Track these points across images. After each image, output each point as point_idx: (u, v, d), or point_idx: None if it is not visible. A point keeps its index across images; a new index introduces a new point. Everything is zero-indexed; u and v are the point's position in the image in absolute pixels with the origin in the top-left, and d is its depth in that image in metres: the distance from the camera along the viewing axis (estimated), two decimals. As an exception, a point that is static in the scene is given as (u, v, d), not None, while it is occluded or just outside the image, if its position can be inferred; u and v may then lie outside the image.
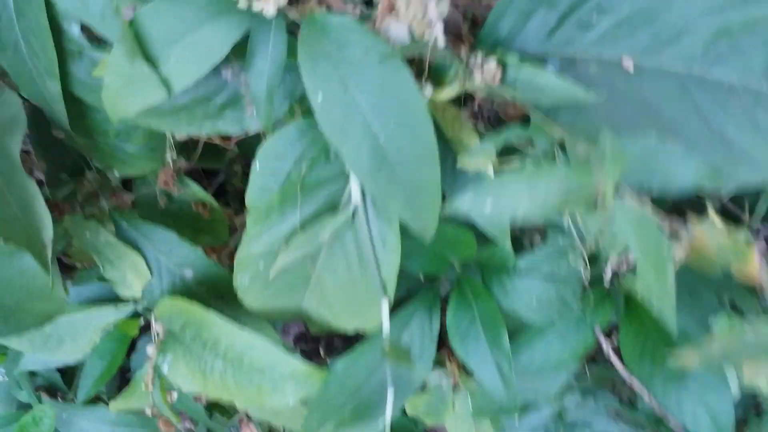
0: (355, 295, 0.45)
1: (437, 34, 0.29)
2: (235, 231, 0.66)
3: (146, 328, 0.83)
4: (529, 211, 0.26)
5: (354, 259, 0.42)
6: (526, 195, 0.26)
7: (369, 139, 0.34)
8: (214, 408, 0.77)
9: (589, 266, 0.47)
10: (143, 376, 0.58)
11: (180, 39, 0.35)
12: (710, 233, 0.30)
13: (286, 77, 0.43)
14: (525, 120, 0.39)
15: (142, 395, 0.59)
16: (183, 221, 0.59)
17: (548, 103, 0.32)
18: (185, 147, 0.56)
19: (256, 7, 0.32)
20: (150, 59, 0.36)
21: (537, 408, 0.64)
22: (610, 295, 0.53)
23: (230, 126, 0.46)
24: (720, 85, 0.32)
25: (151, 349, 0.55)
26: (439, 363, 0.78)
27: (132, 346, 0.81)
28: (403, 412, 0.94)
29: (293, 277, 0.45)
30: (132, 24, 0.35)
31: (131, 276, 0.54)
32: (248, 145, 0.58)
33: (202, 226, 0.61)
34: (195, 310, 0.49)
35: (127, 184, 0.58)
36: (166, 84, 0.36)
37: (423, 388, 0.71)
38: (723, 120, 0.33)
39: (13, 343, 0.62)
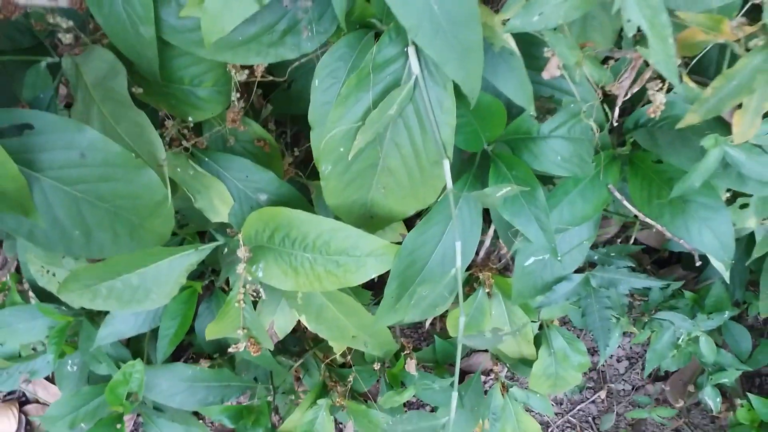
0: (418, 168, 0.55)
1: None
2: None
3: (208, 288, 0.91)
4: (566, 12, 0.37)
5: (416, 130, 0.52)
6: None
7: (427, 10, 0.44)
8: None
9: (596, 130, 0.58)
10: (234, 297, 0.66)
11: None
12: (693, 18, 0.41)
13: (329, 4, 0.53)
14: None
15: (234, 316, 0.67)
16: (247, 156, 0.69)
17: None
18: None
19: None
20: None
21: (568, 279, 0.73)
22: (617, 158, 0.64)
23: (290, 51, 0.57)
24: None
25: (240, 268, 0.63)
26: (470, 282, 0.88)
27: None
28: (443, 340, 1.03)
29: (364, 162, 0.55)
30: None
31: (218, 202, 0.63)
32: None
33: (262, 161, 0.70)
34: (284, 212, 0.58)
35: (197, 130, 0.67)
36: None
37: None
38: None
39: (99, 304, 0.70)
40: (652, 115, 0.51)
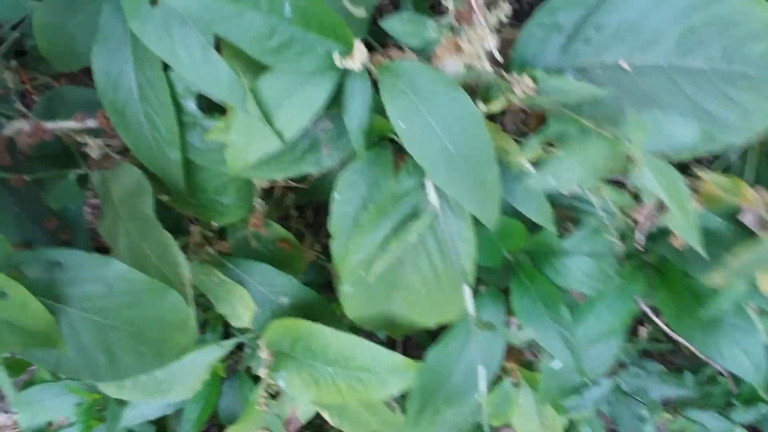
0: (438, 288, 0.55)
1: (487, 65, 0.40)
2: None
3: (231, 368, 0.92)
4: (582, 177, 0.36)
5: (436, 255, 0.52)
6: (578, 165, 0.36)
7: (443, 151, 0.44)
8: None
9: (620, 241, 0.57)
10: (256, 399, 0.66)
11: (288, 98, 0.47)
12: (713, 178, 0.40)
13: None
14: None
15: (255, 417, 0.67)
16: (269, 258, 0.70)
17: (573, 101, 0.43)
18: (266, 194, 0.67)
19: (347, 65, 0.44)
20: (266, 117, 0.47)
21: (597, 383, 0.71)
22: (643, 267, 0.63)
23: (311, 167, 0.57)
24: (694, 71, 0.43)
25: (263, 371, 0.63)
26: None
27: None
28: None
29: (385, 281, 0.55)
30: (251, 92, 0.46)
31: (240, 308, 0.64)
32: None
33: (283, 261, 0.71)
34: (304, 324, 0.58)
35: (221, 233, 0.69)
36: (279, 135, 0.47)
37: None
38: (703, 97, 0.43)
39: (125, 394, 0.71)
40: (677, 246, 0.50)
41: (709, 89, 0.43)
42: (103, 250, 0.64)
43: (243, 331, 0.71)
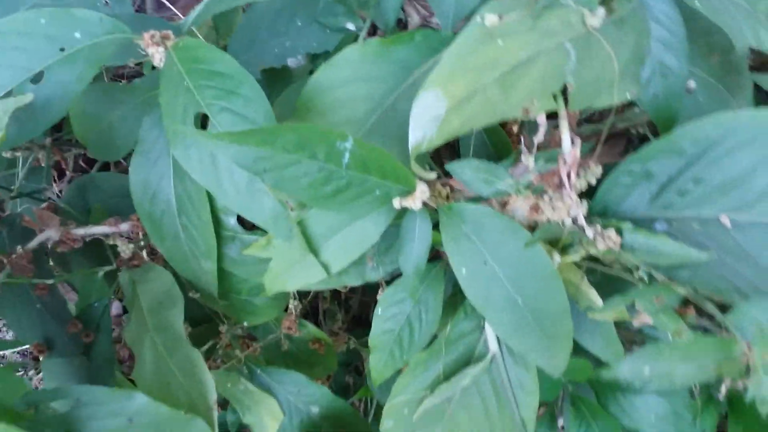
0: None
1: (569, 222, 0.35)
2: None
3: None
4: (684, 377, 0.31)
5: (491, 401, 0.46)
6: (680, 364, 0.31)
7: (509, 303, 0.39)
8: None
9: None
10: None
11: (337, 233, 0.42)
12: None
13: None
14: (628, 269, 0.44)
15: None
16: (301, 358, 0.65)
17: (665, 263, 0.38)
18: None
19: (406, 204, 0.39)
20: (312, 248, 0.43)
21: None
22: (712, 398, 0.56)
23: (353, 279, 0.53)
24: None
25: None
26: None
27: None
28: None
29: (430, 418, 0.49)
30: (299, 223, 0.42)
31: (267, 419, 0.59)
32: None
33: (315, 360, 0.67)
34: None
35: (251, 331, 0.64)
36: (325, 267, 0.43)
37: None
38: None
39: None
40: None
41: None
42: (126, 353, 0.61)
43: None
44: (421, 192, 0.39)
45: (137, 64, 0.93)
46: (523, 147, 0.39)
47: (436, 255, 0.50)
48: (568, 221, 0.36)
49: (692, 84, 0.49)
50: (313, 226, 0.42)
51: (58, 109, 0.40)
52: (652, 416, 0.50)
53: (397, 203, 0.39)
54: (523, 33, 0.30)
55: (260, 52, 0.60)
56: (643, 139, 0.69)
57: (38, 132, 0.41)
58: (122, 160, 0.87)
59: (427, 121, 0.32)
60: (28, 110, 0.39)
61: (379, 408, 0.87)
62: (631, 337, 0.57)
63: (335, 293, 0.81)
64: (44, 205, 0.64)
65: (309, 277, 0.44)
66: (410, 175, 0.38)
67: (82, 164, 0.95)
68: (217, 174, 0.40)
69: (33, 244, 0.47)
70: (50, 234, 0.47)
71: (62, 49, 0.41)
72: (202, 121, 0.41)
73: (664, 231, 0.40)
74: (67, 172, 0.81)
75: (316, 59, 0.67)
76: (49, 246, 0.49)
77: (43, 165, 0.63)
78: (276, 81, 0.64)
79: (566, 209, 0.34)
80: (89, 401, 0.43)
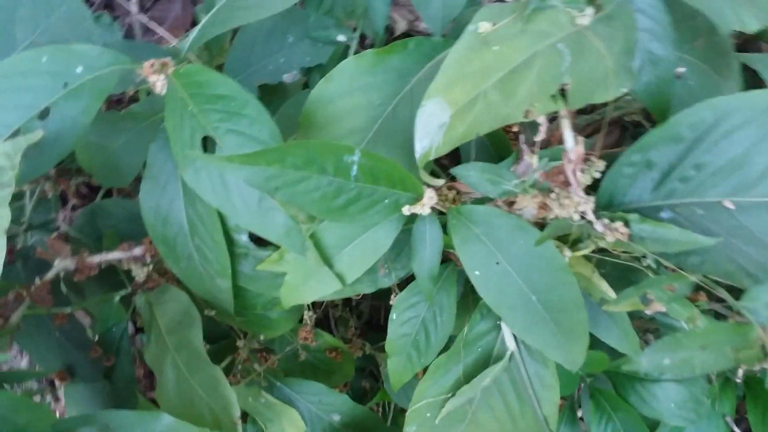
0: (514, 429, 0.50)
1: (576, 218, 0.36)
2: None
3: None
4: (704, 364, 0.32)
5: (512, 398, 0.47)
6: (699, 352, 0.32)
7: (524, 301, 0.40)
8: None
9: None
10: None
11: (349, 243, 0.43)
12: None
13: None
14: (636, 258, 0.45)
15: None
16: (318, 368, 0.66)
17: (674, 250, 0.38)
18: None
19: (415, 211, 0.40)
20: (326, 260, 0.43)
21: None
22: (729, 381, 0.57)
23: (366, 287, 0.54)
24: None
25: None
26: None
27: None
28: None
29: (453, 416, 0.50)
30: (312, 236, 0.43)
31: (290, 429, 0.60)
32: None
33: (333, 368, 0.67)
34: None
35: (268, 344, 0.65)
36: (340, 278, 0.44)
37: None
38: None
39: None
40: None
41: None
42: (140, 372, 0.62)
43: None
44: (429, 198, 0.40)
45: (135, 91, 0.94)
46: (524, 146, 0.39)
47: (445, 257, 0.50)
48: (576, 216, 0.37)
49: (681, 69, 0.50)
50: (326, 238, 0.43)
51: (66, 143, 0.41)
52: (671, 404, 0.51)
53: (406, 210, 0.39)
54: (516, 37, 0.31)
55: (256, 70, 0.61)
56: (637, 126, 0.70)
57: (49, 167, 0.41)
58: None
59: (432, 129, 0.33)
60: (38, 146, 0.40)
61: (397, 411, 0.88)
62: (645, 326, 0.57)
63: (346, 300, 0.82)
64: (55, 234, 0.65)
65: (325, 288, 0.45)
66: (418, 182, 0.39)
67: (83, 191, 0.96)
68: (228, 195, 0.41)
69: (51, 274, 0.47)
70: (66, 263, 0.48)
71: (66, 85, 0.41)
72: (209, 143, 0.42)
73: (670, 219, 0.41)
74: (71, 200, 0.82)
75: (309, 73, 0.67)
76: (62, 275, 0.50)
77: (49, 196, 0.64)
78: (271, 96, 0.65)
79: (574, 206, 0.35)
80: (117, 426, 0.43)
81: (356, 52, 0.66)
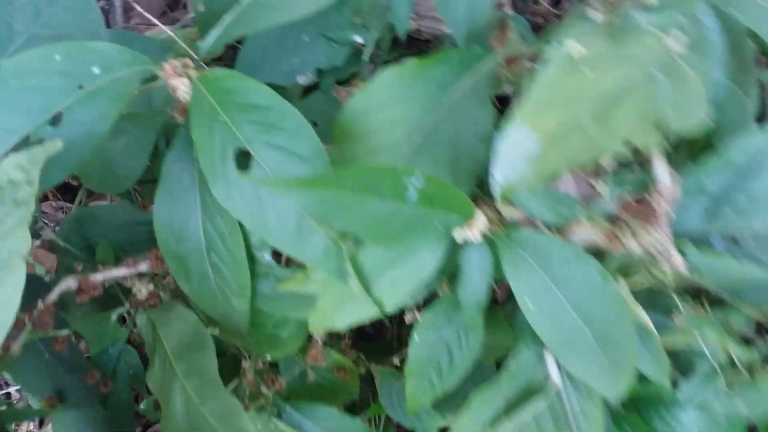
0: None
1: (653, 251, 0.35)
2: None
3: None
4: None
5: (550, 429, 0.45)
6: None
7: (576, 333, 0.38)
8: None
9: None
10: None
11: (390, 268, 0.40)
12: None
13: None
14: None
15: None
16: (325, 387, 0.63)
17: (731, 284, 0.37)
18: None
19: (466, 235, 0.38)
20: (364, 285, 0.41)
21: None
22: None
23: (391, 308, 0.51)
24: None
25: None
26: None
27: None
28: None
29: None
30: (352, 260, 0.40)
31: (300, 457, 0.56)
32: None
33: (338, 387, 0.64)
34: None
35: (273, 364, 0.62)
36: (379, 305, 0.41)
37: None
38: None
39: None
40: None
41: None
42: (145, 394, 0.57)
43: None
44: (481, 223, 0.37)
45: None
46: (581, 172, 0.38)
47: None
48: (638, 248, 0.35)
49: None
50: (367, 262, 0.40)
51: (81, 153, 0.36)
52: (695, 430, 0.50)
53: (458, 235, 0.37)
54: (610, 61, 0.29)
55: (270, 71, 0.57)
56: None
57: (60, 180, 0.37)
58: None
59: (517, 159, 0.31)
60: (49, 156, 0.35)
61: (389, 425, 0.85)
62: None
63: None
64: (38, 242, 0.59)
65: (361, 314, 0.42)
66: (471, 207, 0.37)
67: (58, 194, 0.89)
68: (263, 213, 0.37)
69: (53, 296, 0.43)
70: (69, 283, 0.43)
71: (81, 87, 0.37)
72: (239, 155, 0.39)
73: (723, 249, 0.40)
74: (50, 201, 0.76)
75: (321, 75, 0.64)
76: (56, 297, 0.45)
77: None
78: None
79: (657, 243, 0.33)
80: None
81: (370, 56, 0.63)
